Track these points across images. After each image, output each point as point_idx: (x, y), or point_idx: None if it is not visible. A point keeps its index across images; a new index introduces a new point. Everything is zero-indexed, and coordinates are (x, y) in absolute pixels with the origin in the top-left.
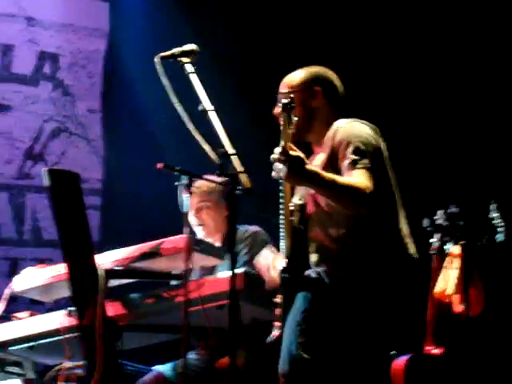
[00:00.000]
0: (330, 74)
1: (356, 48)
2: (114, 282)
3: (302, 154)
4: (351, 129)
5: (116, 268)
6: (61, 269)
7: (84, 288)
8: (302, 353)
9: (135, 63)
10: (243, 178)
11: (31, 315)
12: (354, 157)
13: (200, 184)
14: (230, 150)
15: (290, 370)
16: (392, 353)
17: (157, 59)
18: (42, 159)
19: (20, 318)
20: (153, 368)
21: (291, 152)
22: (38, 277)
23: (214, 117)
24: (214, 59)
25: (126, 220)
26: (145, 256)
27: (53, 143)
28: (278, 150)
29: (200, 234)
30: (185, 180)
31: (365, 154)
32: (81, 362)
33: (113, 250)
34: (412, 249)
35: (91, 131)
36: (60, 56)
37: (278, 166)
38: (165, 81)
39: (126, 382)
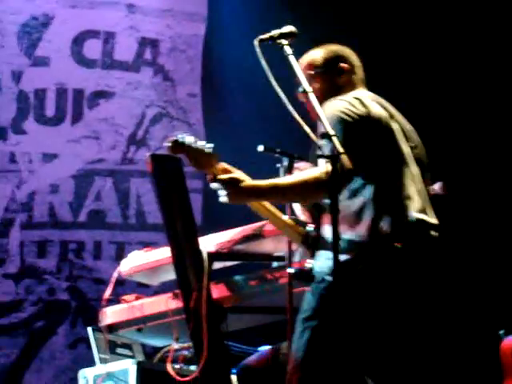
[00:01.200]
0: (350, 52)
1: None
2: (217, 265)
3: (235, 174)
4: (326, 111)
5: (220, 251)
6: (166, 252)
7: (189, 271)
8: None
9: (234, 47)
10: (344, 159)
11: (137, 298)
12: (321, 142)
13: (304, 166)
14: (330, 131)
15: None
16: (501, 332)
17: (256, 42)
18: (145, 144)
19: (128, 301)
20: (258, 349)
21: (220, 177)
22: (144, 260)
23: (313, 98)
24: (312, 41)
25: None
26: (248, 238)
27: (155, 128)
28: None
29: (302, 216)
30: (286, 162)
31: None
32: (188, 344)
33: (215, 232)
34: (413, 209)
35: (192, 115)
36: (160, 41)
37: (219, 191)
38: (264, 63)
39: (232, 362)
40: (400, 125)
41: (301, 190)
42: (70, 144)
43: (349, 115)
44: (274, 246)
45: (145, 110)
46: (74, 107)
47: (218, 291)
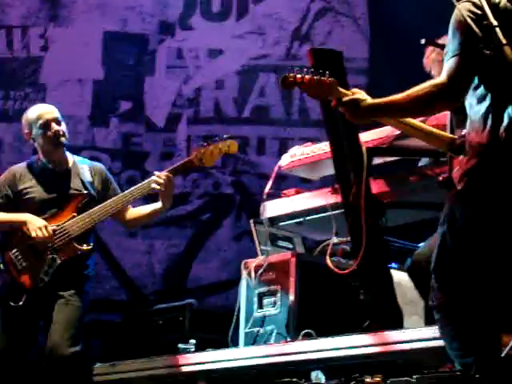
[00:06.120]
0: None
1: None
2: (378, 160)
3: (355, 96)
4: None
5: (379, 145)
6: (325, 147)
7: (348, 166)
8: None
9: None
10: (508, 51)
11: (297, 192)
12: (445, 49)
13: None
14: (493, 21)
15: None
16: None
17: None
18: (309, 39)
19: (288, 195)
20: (419, 245)
21: (344, 99)
22: (304, 155)
23: None
24: None
25: None
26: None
27: (319, 23)
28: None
29: None
30: None
31: (453, 39)
32: (346, 238)
33: (376, 129)
34: None
35: (357, 9)
36: None
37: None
38: None
39: (392, 258)
40: None
41: (419, 103)
42: (234, 40)
43: (469, 15)
44: None
45: (309, 4)
46: (239, 2)
47: (377, 186)
